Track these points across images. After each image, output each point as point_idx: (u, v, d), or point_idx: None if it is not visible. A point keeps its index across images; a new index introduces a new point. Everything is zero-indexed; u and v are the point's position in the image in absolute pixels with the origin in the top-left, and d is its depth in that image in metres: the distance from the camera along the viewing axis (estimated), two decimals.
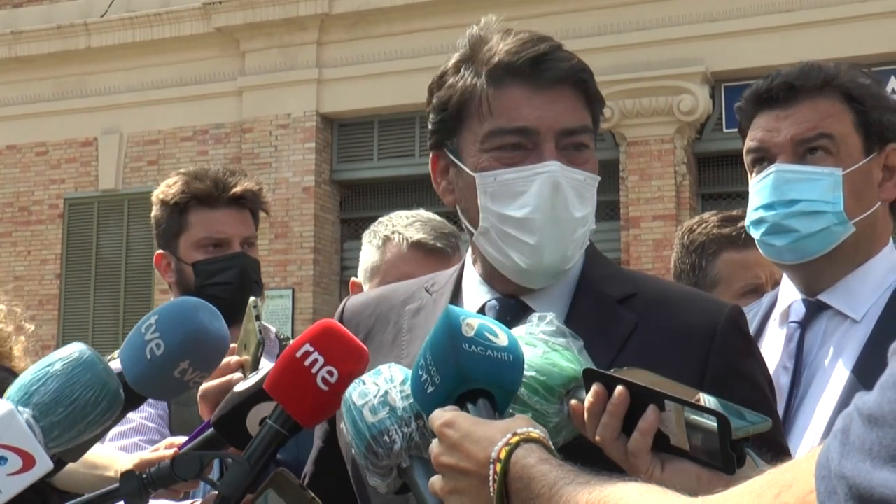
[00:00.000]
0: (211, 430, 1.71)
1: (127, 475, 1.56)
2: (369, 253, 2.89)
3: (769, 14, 12.56)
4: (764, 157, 2.17)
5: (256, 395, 1.66)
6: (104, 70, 15.60)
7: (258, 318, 2.28)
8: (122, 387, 1.54)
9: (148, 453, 2.14)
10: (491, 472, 1.34)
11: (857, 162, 2.13)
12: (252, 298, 2.37)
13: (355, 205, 14.89)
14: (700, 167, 13.23)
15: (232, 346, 2.37)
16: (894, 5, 12.04)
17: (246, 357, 2.24)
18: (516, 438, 1.35)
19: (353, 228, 14.73)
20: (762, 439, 1.42)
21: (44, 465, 1.45)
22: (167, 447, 2.10)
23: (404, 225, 2.86)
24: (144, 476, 1.56)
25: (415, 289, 1.94)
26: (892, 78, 11.94)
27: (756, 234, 2.19)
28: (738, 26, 12.66)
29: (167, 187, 2.99)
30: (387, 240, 2.84)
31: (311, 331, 1.57)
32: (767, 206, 2.14)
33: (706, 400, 1.40)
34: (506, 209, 1.74)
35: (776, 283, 2.80)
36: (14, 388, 1.50)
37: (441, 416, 1.42)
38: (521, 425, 1.39)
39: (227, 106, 14.97)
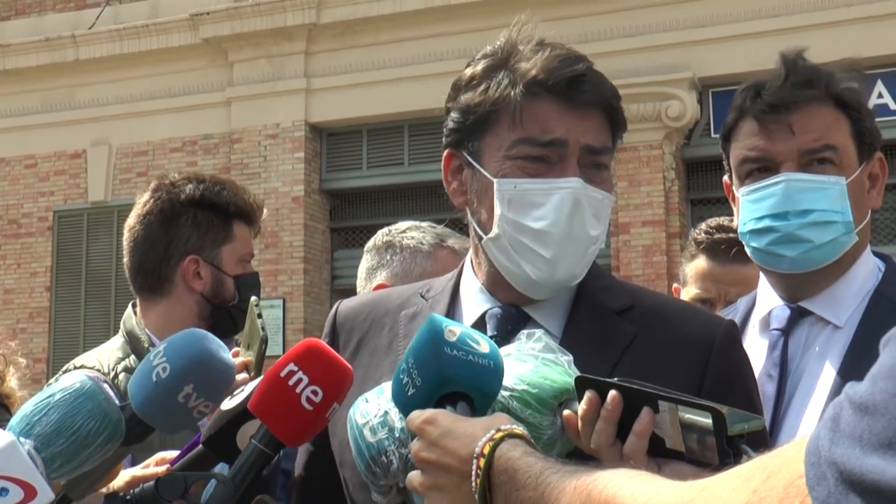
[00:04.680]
0: (200, 447, 1.72)
1: (111, 497, 1.56)
2: (414, 260, 2.91)
3: (756, 19, 12.60)
4: (765, 166, 2.12)
5: (244, 413, 1.66)
6: (92, 82, 15.58)
7: (260, 316, 2.29)
8: (123, 418, 1.54)
9: (139, 469, 2.13)
10: (474, 467, 1.36)
11: (855, 171, 2.12)
12: (253, 298, 2.36)
13: (345, 214, 14.89)
14: (688, 173, 13.26)
15: (234, 349, 2.37)
16: (880, 9, 12.10)
17: (250, 357, 2.25)
18: (500, 434, 1.37)
19: (343, 237, 14.73)
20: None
21: (45, 496, 1.44)
22: (157, 463, 2.10)
23: (448, 234, 2.93)
24: (128, 497, 1.56)
25: (409, 294, 1.95)
26: (879, 82, 12.00)
27: (758, 243, 2.13)
28: (724, 32, 12.71)
29: (208, 187, 2.81)
30: (437, 247, 2.89)
31: (296, 350, 1.56)
32: (779, 216, 2.09)
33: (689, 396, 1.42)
34: (523, 219, 1.75)
35: (727, 303, 2.89)
36: (16, 419, 1.50)
37: (420, 414, 1.45)
38: (504, 422, 1.40)
39: (215, 116, 14.96)
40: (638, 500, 1.16)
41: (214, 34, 14.85)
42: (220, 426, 1.67)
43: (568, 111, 1.75)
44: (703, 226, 3.15)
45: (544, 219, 1.73)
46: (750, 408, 1.66)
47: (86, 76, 15.61)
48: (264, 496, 1.64)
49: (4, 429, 1.50)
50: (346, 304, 2.02)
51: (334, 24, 14.35)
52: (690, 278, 3.11)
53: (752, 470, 1.05)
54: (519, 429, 1.39)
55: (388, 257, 2.97)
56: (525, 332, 1.61)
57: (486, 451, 1.35)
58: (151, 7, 15.57)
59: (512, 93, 1.76)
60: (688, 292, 3.10)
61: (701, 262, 3.08)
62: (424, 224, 3.03)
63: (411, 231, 2.97)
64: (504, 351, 1.58)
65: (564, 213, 1.73)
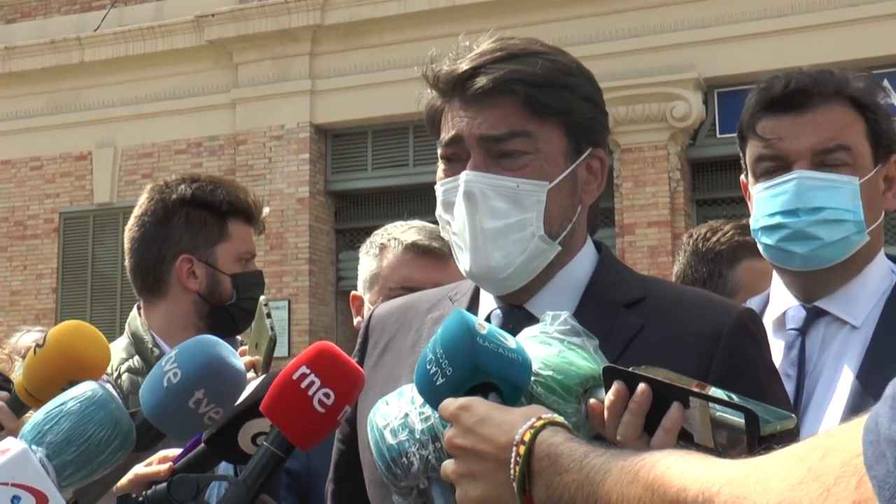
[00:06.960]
0: (202, 445, 1.71)
1: (123, 498, 1.57)
2: (367, 263, 2.91)
3: (761, 19, 12.59)
4: (779, 164, 2.13)
5: (246, 412, 1.66)
6: (98, 84, 15.61)
7: (269, 315, 2.29)
8: (134, 426, 1.54)
9: (141, 467, 2.13)
10: (513, 454, 1.35)
11: (869, 172, 2.13)
12: (262, 297, 2.36)
13: (350, 215, 14.90)
14: (694, 173, 13.25)
15: (242, 347, 2.37)
16: (886, 9, 12.08)
17: (258, 357, 2.25)
18: (541, 422, 1.36)
19: (348, 239, 14.74)
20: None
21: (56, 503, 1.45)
22: (160, 461, 2.10)
23: (400, 231, 2.90)
24: (140, 499, 1.56)
25: (440, 297, 1.96)
26: (885, 82, 11.99)
27: (769, 240, 2.16)
28: (729, 32, 12.70)
29: (200, 186, 2.83)
30: (383, 247, 2.88)
31: (307, 353, 1.56)
32: (789, 213, 2.10)
33: (721, 394, 1.39)
34: (448, 219, 1.82)
35: None
36: (27, 427, 1.50)
37: (455, 401, 1.44)
38: (544, 411, 1.40)
39: (220, 118, 14.98)
40: (688, 477, 1.14)
41: (219, 36, 14.87)
42: (222, 425, 1.67)
43: (465, 107, 1.77)
44: (730, 233, 3.06)
45: (455, 217, 1.79)
46: (762, 400, 1.65)
47: (91, 78, 15.64)
48: (264, 496, 1.65)
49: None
50: (380, 308, 2.04)
51: (339, 25, 14.37)
52: (747, 282, 2.96)
53: (807, 448, 1.03)
54: (559, 418, 1.38)
55: (360, 264, 2.98)
56: (550, 313, 1.60)
57: (527, 438, 1.34)
58: (156, 9, 15.60)
59: (433, 99, 1.84)
60: (749, 294, 3.01)
61: (754, 263, 2.89)
62: (402, 222, 3.00)
63: (377, 235, 2.97)
64: (528, 332, 1.57)
65: (462, 209, 1.77)
